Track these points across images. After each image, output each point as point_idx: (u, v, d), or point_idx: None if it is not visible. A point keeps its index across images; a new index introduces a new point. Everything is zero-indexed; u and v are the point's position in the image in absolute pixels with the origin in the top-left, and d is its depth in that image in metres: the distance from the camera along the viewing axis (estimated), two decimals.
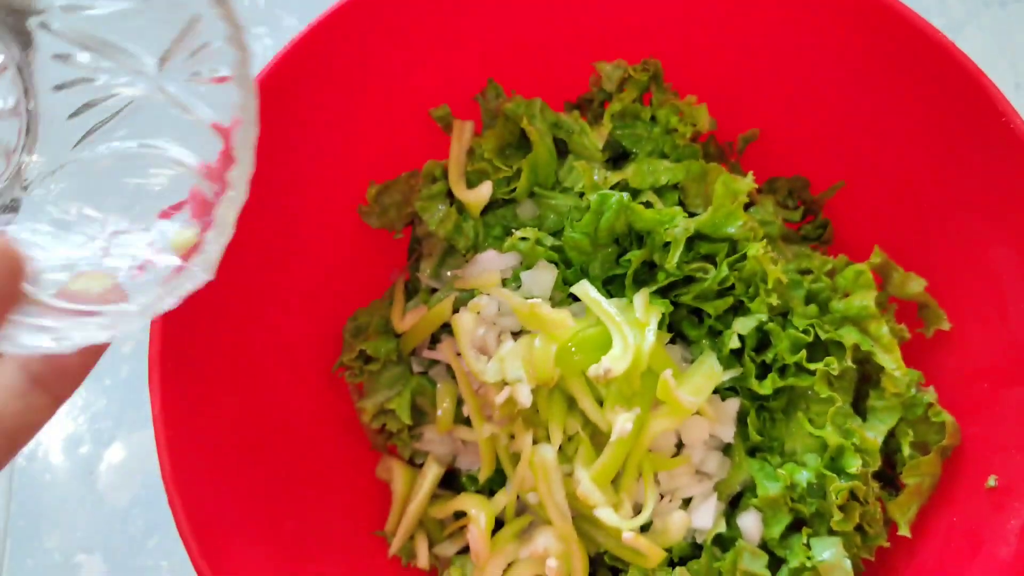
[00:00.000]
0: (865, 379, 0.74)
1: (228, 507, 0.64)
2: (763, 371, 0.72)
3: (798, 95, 0.77)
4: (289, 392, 0.74)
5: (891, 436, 0.71)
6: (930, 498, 0.71)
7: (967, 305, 0.71)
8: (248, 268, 0.70)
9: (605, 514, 0.67)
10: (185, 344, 0.64)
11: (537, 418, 0.72)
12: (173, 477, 0.60)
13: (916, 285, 0.72)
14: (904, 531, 0.69)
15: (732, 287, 0.71)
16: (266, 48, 1.05)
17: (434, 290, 0.80)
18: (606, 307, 0.69)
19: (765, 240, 0.71)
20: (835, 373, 0.69)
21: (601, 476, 0.68)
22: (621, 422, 0.67)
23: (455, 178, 0.79)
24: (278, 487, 0.70)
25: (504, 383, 0.71)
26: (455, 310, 0.76)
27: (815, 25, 0.72)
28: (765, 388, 0.70)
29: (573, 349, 0.69)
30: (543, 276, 0.72)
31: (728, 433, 0.72)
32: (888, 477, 0.73)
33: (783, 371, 0.71)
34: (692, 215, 0.73)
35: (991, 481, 0.67)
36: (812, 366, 0.69)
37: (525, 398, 0.69)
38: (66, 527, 0.90)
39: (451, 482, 0.81)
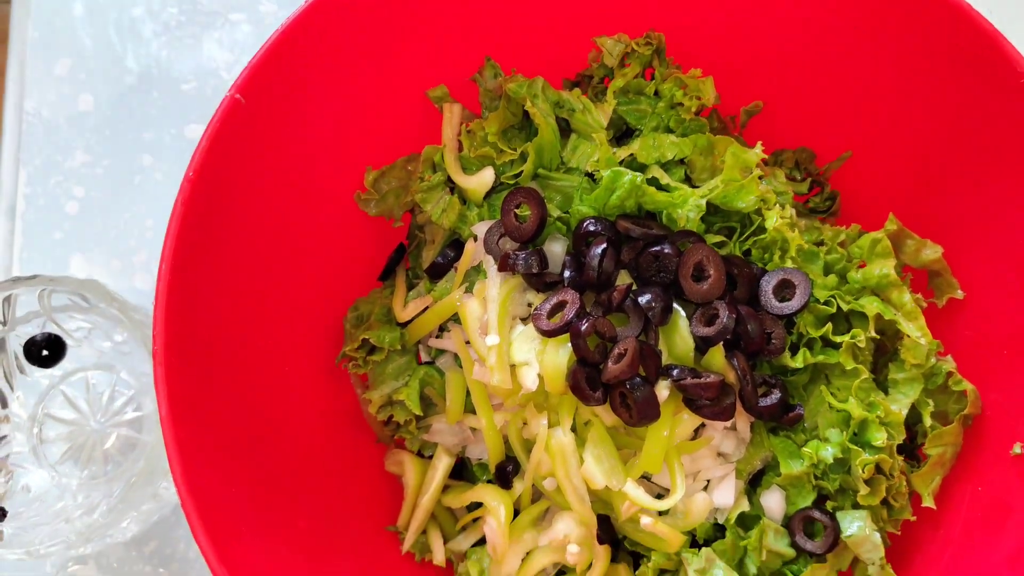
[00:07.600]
0: (881, 351, 0.73)
1: (240, 507, 0.62)
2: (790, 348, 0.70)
3: (801, 64, 0.75)
4: (293, 388, 0.72)
5: (911, 408, 0.70)
6: (953, 468, 0.70)
7: (983, 272, 0.70)
8: (245, 262, 0.67)
9: (636, 493, 0.65)
10: (188, 344, 0.61)
11: (549, 403, 0.70)
12: (184, 478, 0.58)
13: (932, 252, 0.71)
14: (928, 502, 0.68)
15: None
16: (245, 35, 1.01)
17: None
18: None
19: (783, 208, 0.69)
20: (861, 345, 0.67)
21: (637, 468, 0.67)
22: None
23: (451, 164, 0.76)
24: (288, 484, 0.68)
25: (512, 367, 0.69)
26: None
27: None
28: (797, 362, 0.68)
29: None
30: (555, 248, 0.70)
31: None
32: (909, 449, 0.72)
33: (810, 346, 0.69)
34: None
35: (1016, 448, 0.66)
36: (838, 339, 0.68)
37: (531, 382, 0.67)
38: None
39: (460, 473, 0.79)
